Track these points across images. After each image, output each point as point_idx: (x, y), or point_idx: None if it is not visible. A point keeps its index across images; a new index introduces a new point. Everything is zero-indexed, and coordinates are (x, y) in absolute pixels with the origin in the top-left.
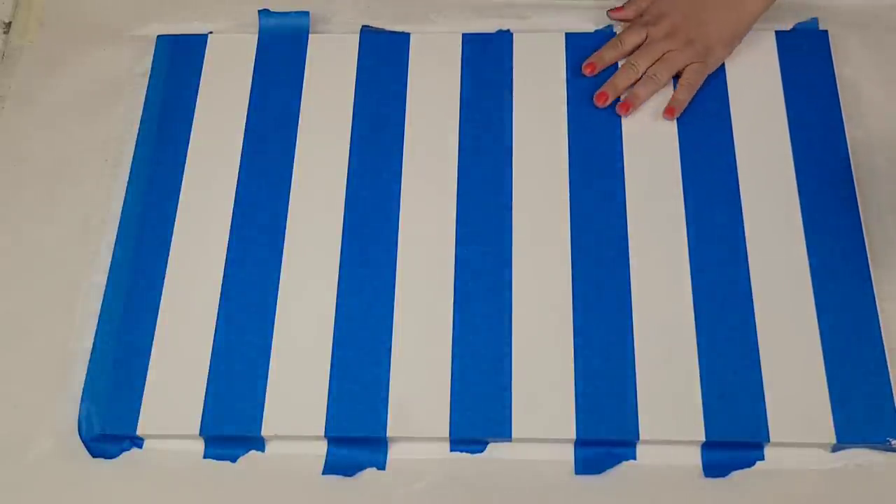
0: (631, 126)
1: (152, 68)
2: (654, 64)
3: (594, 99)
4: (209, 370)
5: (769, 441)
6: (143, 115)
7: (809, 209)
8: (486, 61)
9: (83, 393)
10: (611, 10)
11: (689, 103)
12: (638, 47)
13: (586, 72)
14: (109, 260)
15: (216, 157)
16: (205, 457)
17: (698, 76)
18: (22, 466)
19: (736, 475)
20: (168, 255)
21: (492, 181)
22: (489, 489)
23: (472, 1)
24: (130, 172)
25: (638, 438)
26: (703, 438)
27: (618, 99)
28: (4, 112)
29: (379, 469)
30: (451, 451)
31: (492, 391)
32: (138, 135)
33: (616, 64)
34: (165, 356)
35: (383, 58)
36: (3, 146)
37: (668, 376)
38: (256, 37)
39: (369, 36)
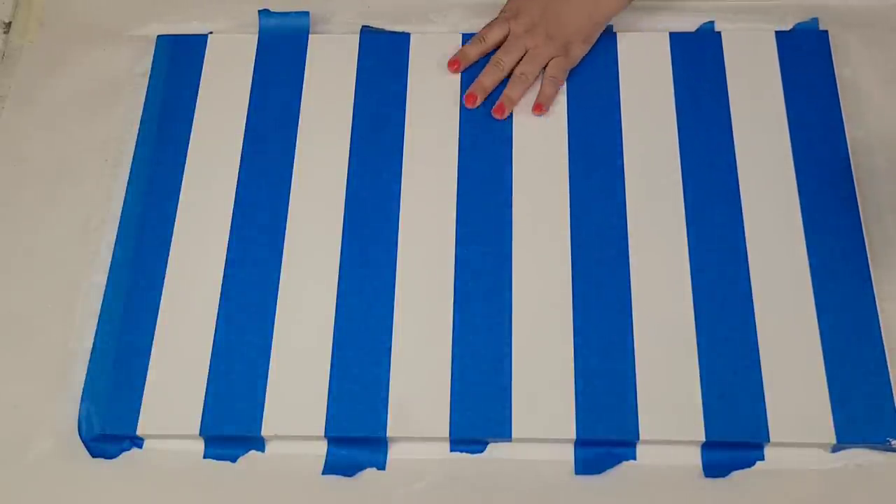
0: (631, 126)
1: (152, 68)
2: (519, 62)
3: (464, 100)
4: (209, 370)
5: (769, 441)
6: (143, 115)
7: (809, 209)
8: (486, 61)
9: (83, 393)
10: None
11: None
12: (501, 43)
13: (451, 69)
14: (109, 260)
15: (216, 157)
16: (205, 457)
17: (561, 71)
18: (22, 466)
19: (736, 475)
20: (168, 255)
21: (492, 181)
22: (489, 489)
23: (472, 1)
24: (130, 172)
25: (638, 438)
26: (703, 438)
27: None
28: (4, 112)
29: (379, 469)
30: (451, 451)
31: (492, 391)
32: (138, 135)
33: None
34: (165, 356)
35: (383, 58)
36: (3, 146)
37: (668, 376)
38: (256, 37)
39: (369, 36)
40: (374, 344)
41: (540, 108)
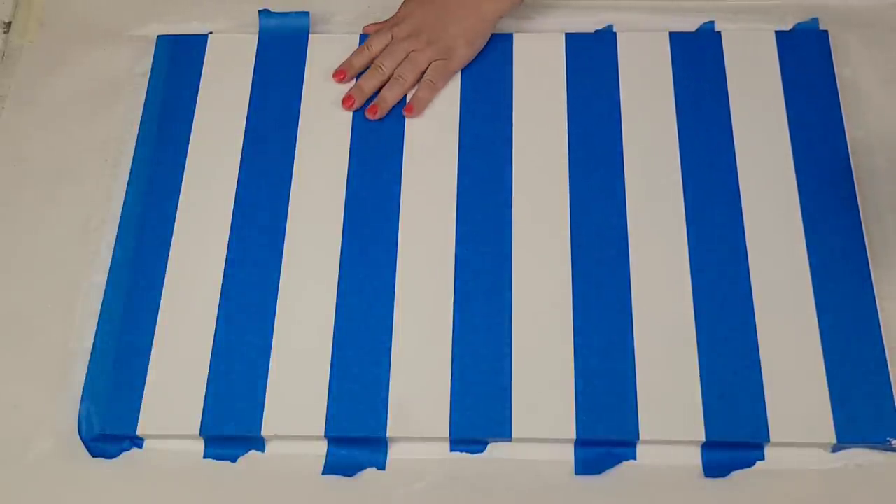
0: (631, 126)
1: (152, 68)
2: (399, 65)
3: (342, 103)
4: (209, 370)
5: (769, 441)
6: (143, 115)
7: (809, 209)
8: (487, 61)
9: (83, 393)
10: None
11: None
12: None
13: (337, 79)
14: (109, 260)
15: (216, 157)
16: (205, 457)
17: (440, 75)
18: (22, 466)
19: (736, 475)
20: (168, 255)
21: (492, 181)
22: (489, 489)
23: None
24: (130, 172)
25: (638, 438)
26: (703, 438)
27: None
28: (4, 112)
29: (379, 469)
30: (451, 451)
31: (492, 391)
32: (138, 135)
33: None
34: (165, 356)
35: None
36: (3, 146)
37: (668, 376)
38: (256, 37)
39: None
40: (374, 344)
41: (410, 109)
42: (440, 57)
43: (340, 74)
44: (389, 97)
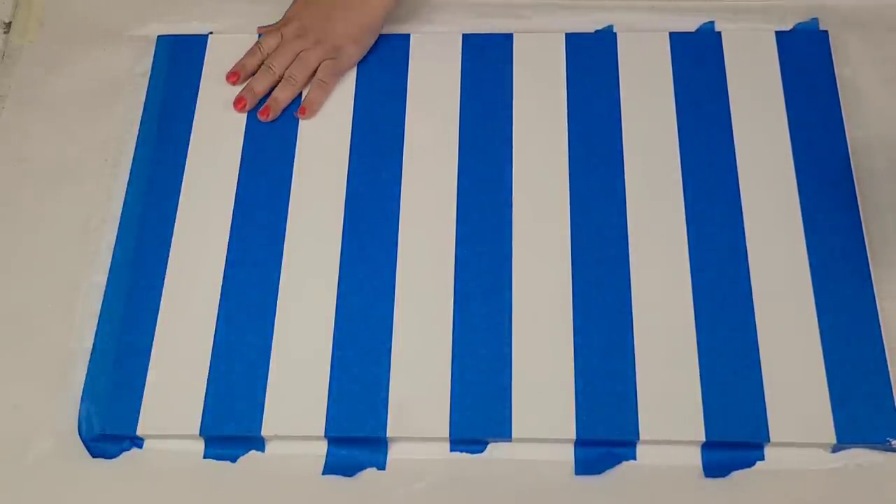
0: (631, 126)
1: (152, 68)
2: (290, 65)
3: (233, 105)
4: (209, 370)
5: (769, 441)
6: (143, 115)
7: (809, 209)
8: (487, 61)
9: (83, 393)
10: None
11: (693, 105)
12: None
13: (230, 81)
14: (109, 260)
15: (216, 157)
16: (205, 457)
17: (331, 74)
18: (22, 466)
19: (736, 475)
20: (168, 255)
21: (492, 181)
22: (489, 489)
23: (472, 1)
24: (130, 172)
25: (638, 438)
26: (703, 438)
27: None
28: (4, 112)
29: (379, 469)
30: (451, 451)
31: (492, 391)
32: (138, 135)
33: None
34: (165, 356)
35: (384, 58)
36: (3, 146)
37: (668, 376)
38: (256, 37)
39: None
40: (374, 344)
41: (303, 111)
42: (329, 56)
43: (233, 76)
44: (281, 98)
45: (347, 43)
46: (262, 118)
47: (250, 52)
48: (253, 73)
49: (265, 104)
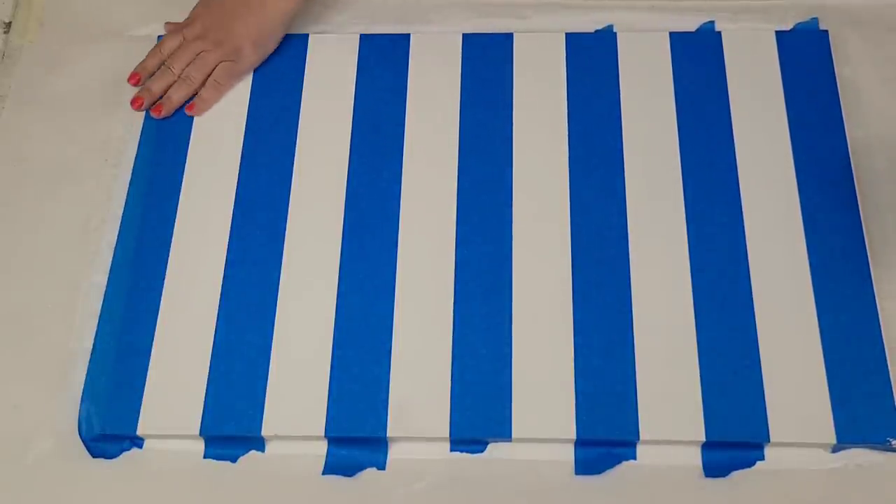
0: (631, 126)
1: None
2: (188, 66)
3: (130, 104)
4: (209, 370)
5: (769, 441)
6: (143, 115)
7: (809, 209)
8: (486, 61)
9: (83, 393)
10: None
11: (692, 105)
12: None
13: (131, 82)
14: (109, 260)
15: (216, 156)
16: (205, 457)
17: (227, 75)
18: (22, 466)
19: (736, 475)
20: (168, 255)
21: (492, 181)
22: (489, 489)
23: (472, 1)
24: (131, 172)
25: (638, 438)
26: (703, 438)
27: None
28: (4, 112)
29: (379, 469)
30: (451, 451)
31: (492, 391)
32: (139, 135)
33: None
34: (165, 356)
35: (383, 58)
36: (3, 146)
37: (668, 376)
38: None
39: (369, 36)
40: (374, 344)
41: (191, 108)
42: (228, 58)
43: (134, 78)
44: (175, 97)
45: (246, 45)
46: (154, 115)
47: (151, 54)
48: (152, 73)
49: (158, 102)
